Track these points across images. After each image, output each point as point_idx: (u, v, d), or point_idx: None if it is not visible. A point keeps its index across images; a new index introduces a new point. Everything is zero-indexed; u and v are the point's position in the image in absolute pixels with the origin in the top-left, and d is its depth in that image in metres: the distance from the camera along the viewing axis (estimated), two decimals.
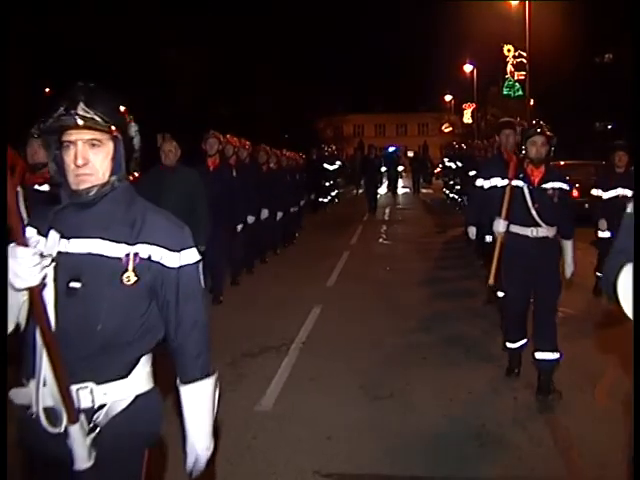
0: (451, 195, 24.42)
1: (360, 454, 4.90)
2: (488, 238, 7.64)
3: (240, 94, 41.69)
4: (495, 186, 6.49)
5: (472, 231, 7.91)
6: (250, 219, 10.75)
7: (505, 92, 40.76)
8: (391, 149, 38.36)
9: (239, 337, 7.86)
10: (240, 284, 10.83)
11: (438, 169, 41.00)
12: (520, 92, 39.06)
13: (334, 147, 36.15)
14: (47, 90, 37.14)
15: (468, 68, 49.68)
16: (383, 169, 31.59)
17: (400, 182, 34.44)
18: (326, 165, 24.57)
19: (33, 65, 31.71)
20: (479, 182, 7.10)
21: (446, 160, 27.12)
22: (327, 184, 24.70)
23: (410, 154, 39.34)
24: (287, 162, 15.58)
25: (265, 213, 11.79)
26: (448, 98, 62.55)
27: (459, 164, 19.85)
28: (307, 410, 5.71)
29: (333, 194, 26.73)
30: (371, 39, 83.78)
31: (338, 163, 28.20)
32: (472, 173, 11.54)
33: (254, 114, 40.88)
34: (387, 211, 25.07)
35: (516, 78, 39.64)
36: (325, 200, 24.59)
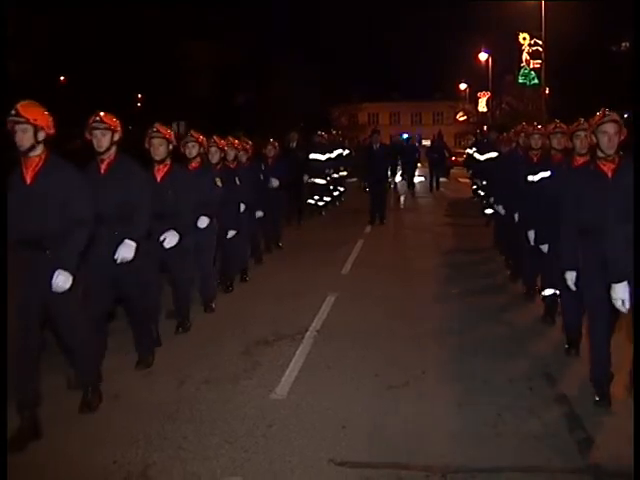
0: (481, 193, 18.35)
1: (375, 443, 4.90)
2: (544, 248, 7.27)
3: (257, 81, 41.76)
4: None
5: (531, 236, 7.74)
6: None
7: (520, 81, 40.51)
8: (405, 136, 36.53)
9: (253, 325, 7.88)
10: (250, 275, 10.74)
11: (453, 158, 40.50)
12: (536, 81, 38.84)
13: (337, 132, 31.36)
14: (62, 78, 37.29)
15: (483, 56, 49.46)
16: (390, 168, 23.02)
17: (416, 171, 29.29)
18: (315, 155, 18.94)
19: (50, 54, 31.83)
20: None
21: (472, 150, 21.95)
22: (318, 182, 18.99)
23: (426, 142, 36.17)
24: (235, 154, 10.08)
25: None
26: (463, 86, 62.32)
27: (484, 156, 15.90)
28: (322, 398, 5.71)
29: (334, 194, 21.38)
30: (386, 27, 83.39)
31: (337, 152, 21.64)
32: (535, 178, 8.00)
33: (270, 102, 40.90)
34: (402, 199, 24.88)
35: (532, 66, 39.37)
36: (319, 203, 19.25)
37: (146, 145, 7.05)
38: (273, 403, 5.64)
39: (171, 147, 7.11)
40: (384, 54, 68.77)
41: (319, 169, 18.97)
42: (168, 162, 7.09)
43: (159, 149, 7.01)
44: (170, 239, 7.02)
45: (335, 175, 21.50)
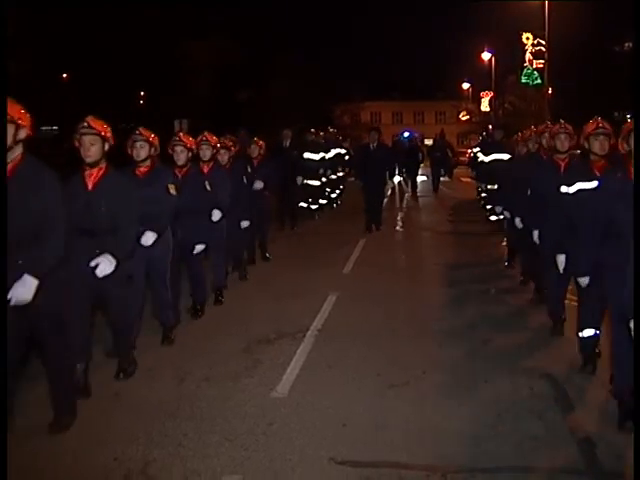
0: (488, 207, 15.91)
1: (375, 442, 4.89)
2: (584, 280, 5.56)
3: (257, 81, 41.78)
4: None
5: (561, 259, 6.41)
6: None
7: (523, 80, 40.58)
8: (406, 134, 36.16)
9: (255, 323, 7.88)
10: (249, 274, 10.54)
11: (455, 158, 40.31)
12: (538, 81, 38.89)
13: (334, 131, 28.78)
14: (65, 76, 37.35)
15: (486, 56, 49.60)
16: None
17: (419, 171, 27.28)
18: (308, 155, 17.18)
19: (50, 54, 31.89)
20: None
21: (476, 150, 20.47)
22: (312, 184, 17.36)
23: (428, 142, 35.24)
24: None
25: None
26: (466, 86, 62.43)
27: (489, 157, 14.55)
28: (323, 397, 5.70)
29: (330, 197, 20.18)
30: (389, 26, 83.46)
31: (334, 151, 20.18)
32: (570, 190, 6.36)
33: (270, 102, 40.88)
34: (405, 199, 24.79)
35: (534, 66, 39.40)
36: (312, 207, 17.73)
37: (75, 144, 5.55)
38: (274, 401, 5.63)
39: (107, 146, 5.58)
40: (386, 53, 68.77)
41: (313, 169, 17.33)
42: (103, 165, 5.60)
43: (91, 149, 5.47)
44: (103, 266, 5.47)
45: (333, 176, 20.21)
